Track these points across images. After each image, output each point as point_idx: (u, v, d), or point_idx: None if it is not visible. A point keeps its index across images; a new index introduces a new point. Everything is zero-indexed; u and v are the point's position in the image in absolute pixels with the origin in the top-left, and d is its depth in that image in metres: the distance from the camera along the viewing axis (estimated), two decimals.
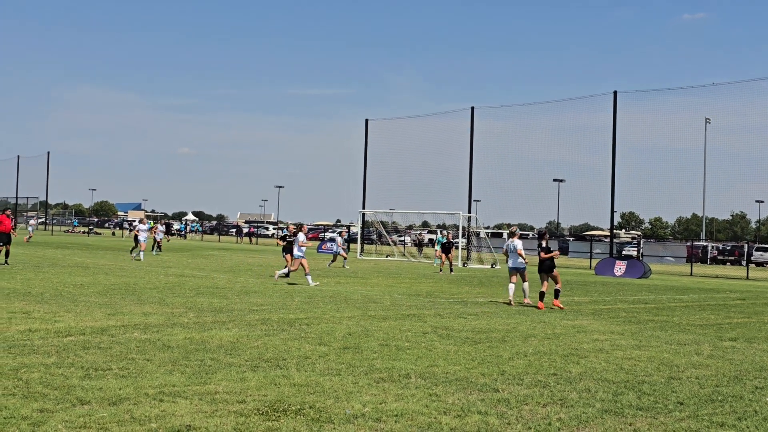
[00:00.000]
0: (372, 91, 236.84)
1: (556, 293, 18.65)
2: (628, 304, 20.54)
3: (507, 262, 19.66)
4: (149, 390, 7.48)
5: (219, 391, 7.57)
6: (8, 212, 26.29)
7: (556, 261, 19.19)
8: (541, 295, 18.36)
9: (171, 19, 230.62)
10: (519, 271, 19.35)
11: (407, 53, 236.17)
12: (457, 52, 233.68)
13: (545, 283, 18.77)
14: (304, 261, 21.99)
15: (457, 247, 40.77)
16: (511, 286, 19.20)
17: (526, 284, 19.38)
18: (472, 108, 51.52)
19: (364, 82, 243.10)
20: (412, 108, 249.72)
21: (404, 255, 51.75)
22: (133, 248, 34.12)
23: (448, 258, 33.45)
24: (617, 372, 9.72)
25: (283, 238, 26.70)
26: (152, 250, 38.81)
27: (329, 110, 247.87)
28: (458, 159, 53.06)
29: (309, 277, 21.97)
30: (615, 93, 44.07)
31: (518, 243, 19.42)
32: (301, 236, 22.36)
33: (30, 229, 51.10)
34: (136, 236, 34.05)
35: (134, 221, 79.21)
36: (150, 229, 35.16)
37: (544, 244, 19.41)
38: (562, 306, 18.21)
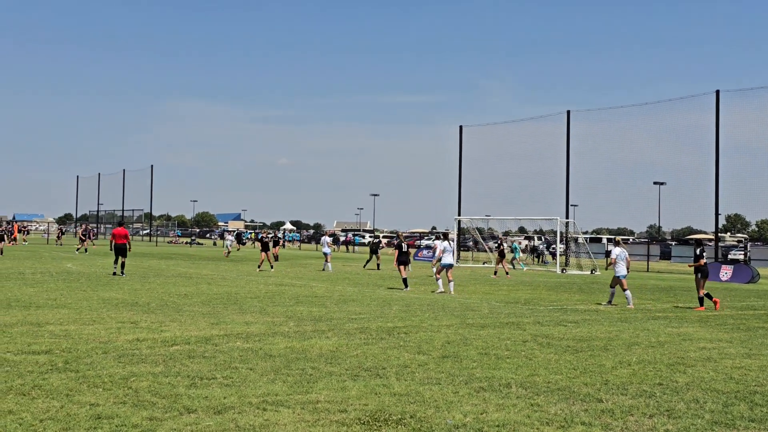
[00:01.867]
0: (466, 96, 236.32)
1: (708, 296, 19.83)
2: (736, 311, 19.83)
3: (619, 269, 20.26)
4: (253, 399, 7.62)
5: (320, 400, 7.65)
6: (123, 226, 27.62)
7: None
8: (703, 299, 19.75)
9: (268, 32, 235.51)
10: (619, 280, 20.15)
11: (501, 58, 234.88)
12: (552, 55, 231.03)
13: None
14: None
15: (553, 253, 40.15)
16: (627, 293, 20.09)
17: (627, 291, 20.04)
18: (568, 112, 50.79)
19: (458, 88, 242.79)
20: (506, 113, 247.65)
21: (511, 265, 51.26)
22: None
23: (502, 263, 35.23)
24: (726, 382, 9.39)
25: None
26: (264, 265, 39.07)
27: (424, 117, 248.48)
28: (554, 163, 52.37)
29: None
30: (717, 92, 42.73)
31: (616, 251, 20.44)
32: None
33: (227, 244, 50.95)
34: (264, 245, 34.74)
35: (233, 231, 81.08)
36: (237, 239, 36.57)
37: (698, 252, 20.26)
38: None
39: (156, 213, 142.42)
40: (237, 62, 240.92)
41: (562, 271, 42.51)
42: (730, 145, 43.76)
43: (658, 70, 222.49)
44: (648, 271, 48.05)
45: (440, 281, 22.97)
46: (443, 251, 22.61)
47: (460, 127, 57.55)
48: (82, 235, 44.09)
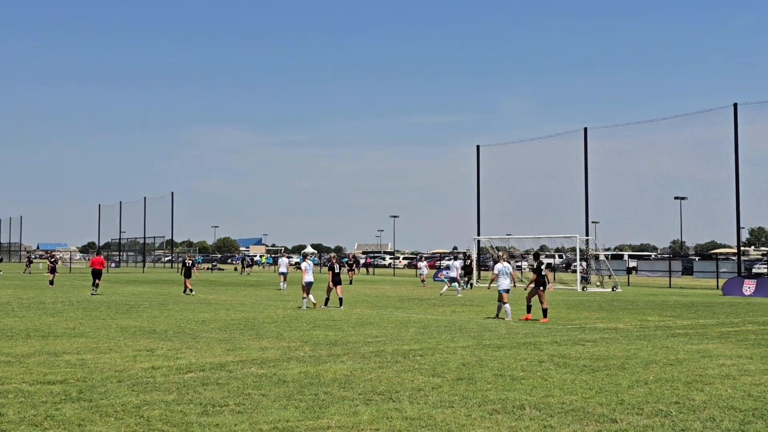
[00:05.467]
0: (483, 116, 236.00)
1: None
2: (758, 326, 19.60)
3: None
4: (264, 426, 7.60)
5: (332, 426, 7.62)
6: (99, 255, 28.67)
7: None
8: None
9: (287, 57, 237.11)
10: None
11: (517, 76, 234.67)
12: (568, 72, 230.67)
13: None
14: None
15: (574, 271, 39.92)
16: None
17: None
18: (585, 129, 50.66)
19: (475, 108, 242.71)
20: (523, 131, 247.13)
21: (522, 281, 51.08)
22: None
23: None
24: (745, 399, 9.27)
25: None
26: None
27: (442, 137, 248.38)
28: (573, 181, 52.17)
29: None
30: (735, 105, 42.49)
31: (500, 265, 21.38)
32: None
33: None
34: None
35: (255, 256, 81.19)
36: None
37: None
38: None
39: (177, 239, 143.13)
40: (257, 87, 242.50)
41: (583, 289, 42.23)
42: (750, 157, 43.44)
43: (675, 85, 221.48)
44: (670, 286, 47.62)
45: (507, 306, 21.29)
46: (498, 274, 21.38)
47: (477, 147, 57.55)
48: (51, 263, 43.51)
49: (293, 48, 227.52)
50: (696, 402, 9.05)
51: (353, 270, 51.65)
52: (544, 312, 20.48)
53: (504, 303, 20.84)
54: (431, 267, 70.03)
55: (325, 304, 24.33)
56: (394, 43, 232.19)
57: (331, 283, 24.33)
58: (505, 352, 13.47)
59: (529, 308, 20.89)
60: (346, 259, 39.27)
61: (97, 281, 32.30)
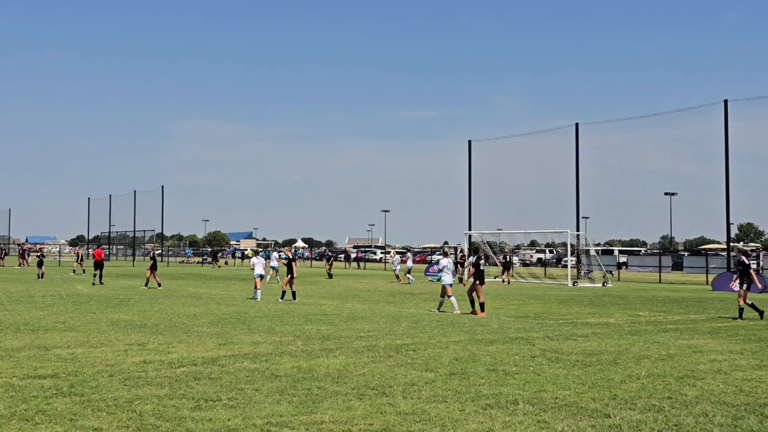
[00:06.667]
0: (475, 111, 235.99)
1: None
2: (748, 322, 19.67)
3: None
4: (257, 420, 7.57)
5: (325, 421, 7.60)
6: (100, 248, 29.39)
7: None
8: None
9: (278, 50, 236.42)
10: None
11: (509, 72, 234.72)
12: (559, 68, 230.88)
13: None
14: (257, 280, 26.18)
15: (565, 266, 40.14)
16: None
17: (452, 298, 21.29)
18: (576, 124, 50.72)
19: (467, 103, 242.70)
20: (515, 126, 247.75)
21: (513, 276, 51.16)
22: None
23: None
24: (737, 394, 9.29)
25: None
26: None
27: (434, 132, 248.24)
28: (564, 176, 52.23)
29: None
30: (725, 101, 42.61)
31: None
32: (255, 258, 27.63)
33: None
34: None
35: (245, 250, 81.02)
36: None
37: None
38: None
39: (168, 233, 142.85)
40: (247, 80, 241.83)
41: (574, 284, 42.32)
42: (739, 154, 43.60)
43: (666, 81, 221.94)
44: (660, 282, 47.78)
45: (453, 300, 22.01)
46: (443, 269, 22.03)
47: (469, 141, 57.55)
48: (38, 257, 43.38)
49: (285, 42, 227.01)
50: (688, 397, 9.07)
51: (330, 263, 51.85)
52: (481, 306, 20.49)
53: (449, 296, 21.21)
54: (421, 262, 70.02)
55: (281, 297, 25.23)
56: (387, 38, 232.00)
57: (286, 277, 25.33)
58: (497, 347, 13.48)
59: (472, 302, 21.03)
60: (300, 252, 39.64)
61: (98, 272, 34.78)
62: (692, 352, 13.20)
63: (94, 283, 34.54)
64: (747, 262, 20.83)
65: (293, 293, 25.26)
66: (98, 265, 35.54)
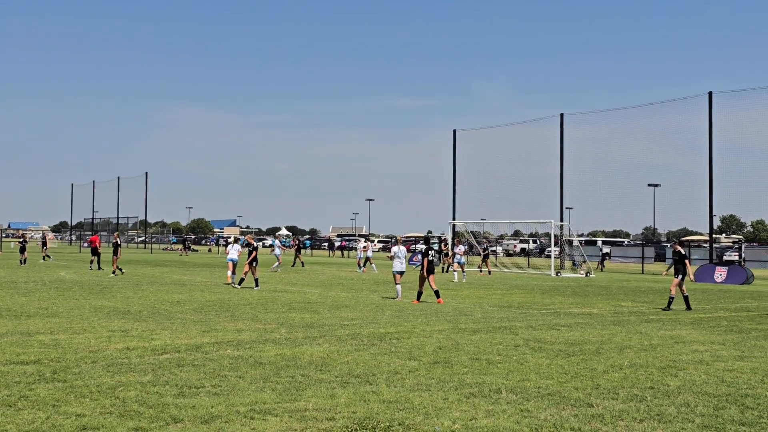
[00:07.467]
0: (460, 100, 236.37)
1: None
2: (730, 312, 19.83)
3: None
4: (240, 407, 7.57)
5: (309, 408, 7.60)
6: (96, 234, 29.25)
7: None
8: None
9: (263, 38, 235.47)
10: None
11: (494, 61, 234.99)
12: (545, 57, 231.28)
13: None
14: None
15: (549, 256, 40.32)
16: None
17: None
18: (561, 115, 50.83)
19: (452, 92, 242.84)
20: (500, 116, 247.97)
21: (496, 265, 51.31)
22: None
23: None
24: (718, 385, 9.36)
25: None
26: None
27: (419, 121, 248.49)
28: (549, 166, 52.38)
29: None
30: (710, 94, 42.82)
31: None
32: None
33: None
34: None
35: (229, 238, 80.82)
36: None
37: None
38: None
39: (151, 220, 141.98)
40: (232, 68, 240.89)
41: (557, 274, 42.49)
42: (723, 146, 43.86)
43: (651, 72, 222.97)
44: (643, 272, 48.04)
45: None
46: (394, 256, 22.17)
47: (454, 131, 57.57)
48: (21, 243, 42.96)
49: (270, 30, 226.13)
50: (670, 387, 9.13)
51: (299, 252, 49.52)
52: (437, 293, 20.73)
53: (396, 284, 21.72)
54: (408, 251, 69.86)
55: (239, 284, 25.50)
56: (371, 27, 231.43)
57: (246, 264, 25.52)
58: (480, 336, 13.52)
59: (419, 293, 21.15)
60: (285, 241, 39.14)
61: (94, 258, 36.14)
62: (674, 342, 13.29)
63: (91, 269, 35.79)
64: (683, 252, 20.79)
65: (255, 280, 25.22)
66: (95, 251, 37.00)
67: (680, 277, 20.26)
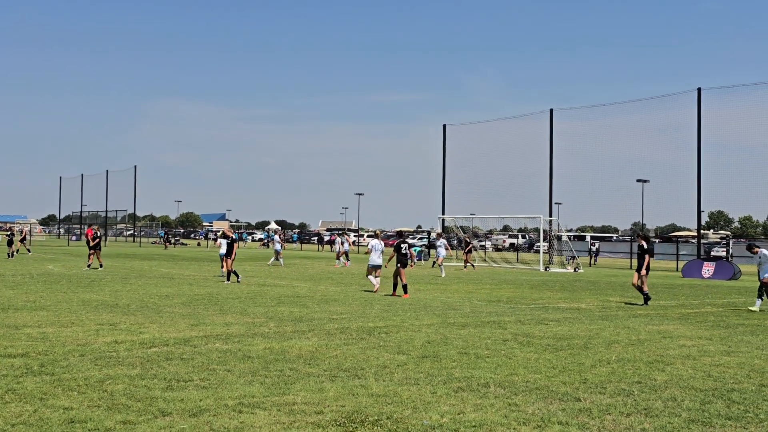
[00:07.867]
0: (450, 95, 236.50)
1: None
2: (717, 308, 19.93)
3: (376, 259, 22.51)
4: (229, 401, 7.57)
5: (297, 402, 7.60)
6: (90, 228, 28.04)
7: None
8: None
9: (252, 31, 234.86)
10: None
11: (484, 56, 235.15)
12: (535, 52, 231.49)
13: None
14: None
15: (537, 251, 40.42)
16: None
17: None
18: (551, 110, 50.96)
19: (442, 87, 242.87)
20: (490, 111, 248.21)
21: (485, 260, 51.42)
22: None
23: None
24: (705, 379, 9.41)
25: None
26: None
27: (408, 116, 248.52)
28: (538, 162, 52.52)
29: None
30: (699, 90, 42.98)
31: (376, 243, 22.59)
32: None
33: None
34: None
35: (218, 231, 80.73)
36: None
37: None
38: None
39: (140, 213, 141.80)
40: (221, 62, 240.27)
41: (546, 269, 42.60)
42: (711, 142, 44.11)
43: (641, 68, 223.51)
44: (631, 268, 48.19)
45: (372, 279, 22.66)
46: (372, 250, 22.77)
47: (444, 126, 57.63)
48: (8, 236, 42.64)
49: (258, 23, 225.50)
50: (657, 382, 9.18)
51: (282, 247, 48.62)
52: (404, 288, 20.75)
53: (368, 276, 22.41)
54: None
55: (227, 279, 25.16)
56: (360, 20, 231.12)
57: (228, 258, 25.40)
58: (469, 331, 13.54)
59: (395, 285, 21.23)
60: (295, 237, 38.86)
61: (92, 252, 33.64)
62: (662, 337, 13.35)
63: (89, 267, 34.12)
64: (645, 246, 20.79)
65: (233, 273, 25.29)
66: (96, 245, 35.76)
67: (644, 270, 20.31)
